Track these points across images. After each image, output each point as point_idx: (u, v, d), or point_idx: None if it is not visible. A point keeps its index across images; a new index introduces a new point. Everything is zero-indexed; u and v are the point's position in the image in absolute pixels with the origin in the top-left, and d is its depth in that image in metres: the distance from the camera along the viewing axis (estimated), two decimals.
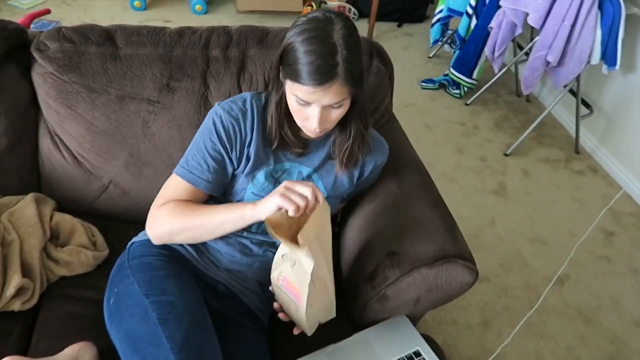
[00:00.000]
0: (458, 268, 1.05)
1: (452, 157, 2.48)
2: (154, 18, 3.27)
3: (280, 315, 1.05)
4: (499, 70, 2.68)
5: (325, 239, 0.97)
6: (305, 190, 0.90)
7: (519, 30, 2.40)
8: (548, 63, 2.27)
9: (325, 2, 3.60)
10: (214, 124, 1.02)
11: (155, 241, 1.06)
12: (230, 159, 1.04)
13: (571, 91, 2.46)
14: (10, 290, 1.01)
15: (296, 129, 1.04)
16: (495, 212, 2.21)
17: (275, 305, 1.05)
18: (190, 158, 1.04)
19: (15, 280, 1.02)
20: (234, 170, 1.06)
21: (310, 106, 0.94)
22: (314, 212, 0.91)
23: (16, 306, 1.03)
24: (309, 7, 3.43)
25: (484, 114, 2.83)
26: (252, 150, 1.04)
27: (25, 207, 1.14)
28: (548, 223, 2.18)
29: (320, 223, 0.93)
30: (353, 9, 3.55)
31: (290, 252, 0.92)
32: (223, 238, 1.09)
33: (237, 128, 1.03)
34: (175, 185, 1.05)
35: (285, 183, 0.92)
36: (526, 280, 1.91)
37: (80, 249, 1.14)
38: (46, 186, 1.27)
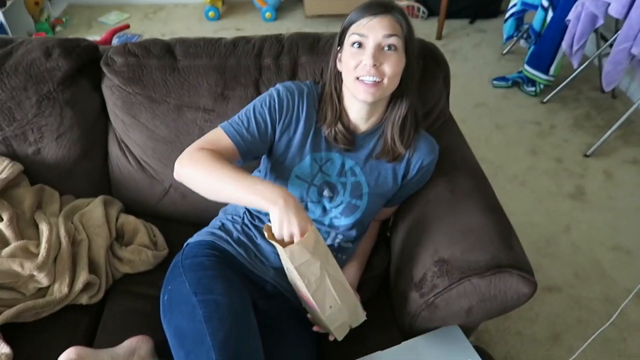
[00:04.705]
0: (512, 279, 1.00)
1: (524, 158, 2.34)
2: (227, 27, 3.41)
3: (315, 328, 1.08)
4: (579, 66, 2.49)
5: (325, 251, 0.96)
6: (296, 230, 0.91)
7: (599, 22, 2.21)
8: (633, 56, 2.07)
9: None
10: (270, 94, 1.09)
11: (176, 174, 1.03)
12: (274, 129, 1.09)
13: None
14: (79, 285, 1.10)
15: (347, 122, 1.09)
16: (571, 218, 2.05)
17: (309, 316, 1.09)
18: (236, 116, 1.09)
19: (83, 276, 1.11)
20: (273, 141, 1.10)
21: (366, 48, 1.00)
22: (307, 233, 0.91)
23: (84, 300, 1.13)
24: None
25: (562, 112, 2.64)
26: (299, 129, 1.09)
27: (94, 209, 1.24)
28: (633, 231, 1.99)
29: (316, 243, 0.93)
30: (422, 8, 3.47)
31: (286, 260, 0.93)
32: None
33: (291, 102, 1.08)
34: (214, 132, 1.07)
35: (294, 212, 0.91)
36: (604, 292, 1.76)
37: (142, 249, 1.22)
38: (115, 189, 1.37)
